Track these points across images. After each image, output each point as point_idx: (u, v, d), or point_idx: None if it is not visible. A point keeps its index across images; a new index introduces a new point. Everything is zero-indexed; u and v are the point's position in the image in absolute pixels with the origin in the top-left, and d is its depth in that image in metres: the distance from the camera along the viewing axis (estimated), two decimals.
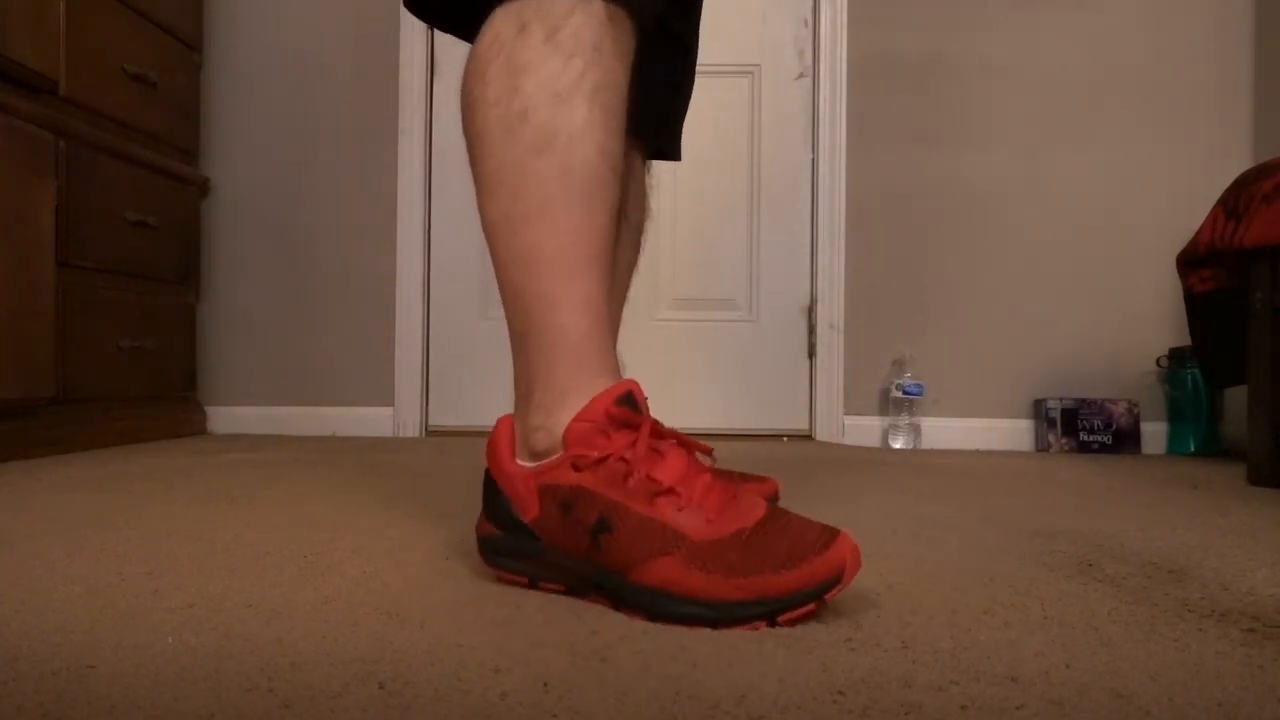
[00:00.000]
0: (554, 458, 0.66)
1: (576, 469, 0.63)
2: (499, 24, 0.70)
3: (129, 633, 0.55)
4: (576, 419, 0.64)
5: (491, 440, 0.70)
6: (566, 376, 0.67)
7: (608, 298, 0.70)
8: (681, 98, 1.08)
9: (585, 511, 0.62)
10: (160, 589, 0.66)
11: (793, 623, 0.57)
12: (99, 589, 0.66)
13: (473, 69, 0.71)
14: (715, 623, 0.57)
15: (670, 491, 0.61)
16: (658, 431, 0.64)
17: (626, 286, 1.08)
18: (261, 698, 0.45)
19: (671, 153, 1.10)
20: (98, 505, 1.05)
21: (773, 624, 0.57)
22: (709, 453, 0.68)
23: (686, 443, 0.65)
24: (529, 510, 0.66)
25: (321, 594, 0.65)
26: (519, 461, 0.69)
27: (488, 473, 0.70)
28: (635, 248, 1.08)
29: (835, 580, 0.57)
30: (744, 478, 1.00)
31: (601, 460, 0.62)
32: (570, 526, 0.63)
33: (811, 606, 0.57)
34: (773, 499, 0.97)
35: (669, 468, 0.61)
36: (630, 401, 0.64)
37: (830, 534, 0.59)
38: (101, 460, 1.54)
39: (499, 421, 0.70)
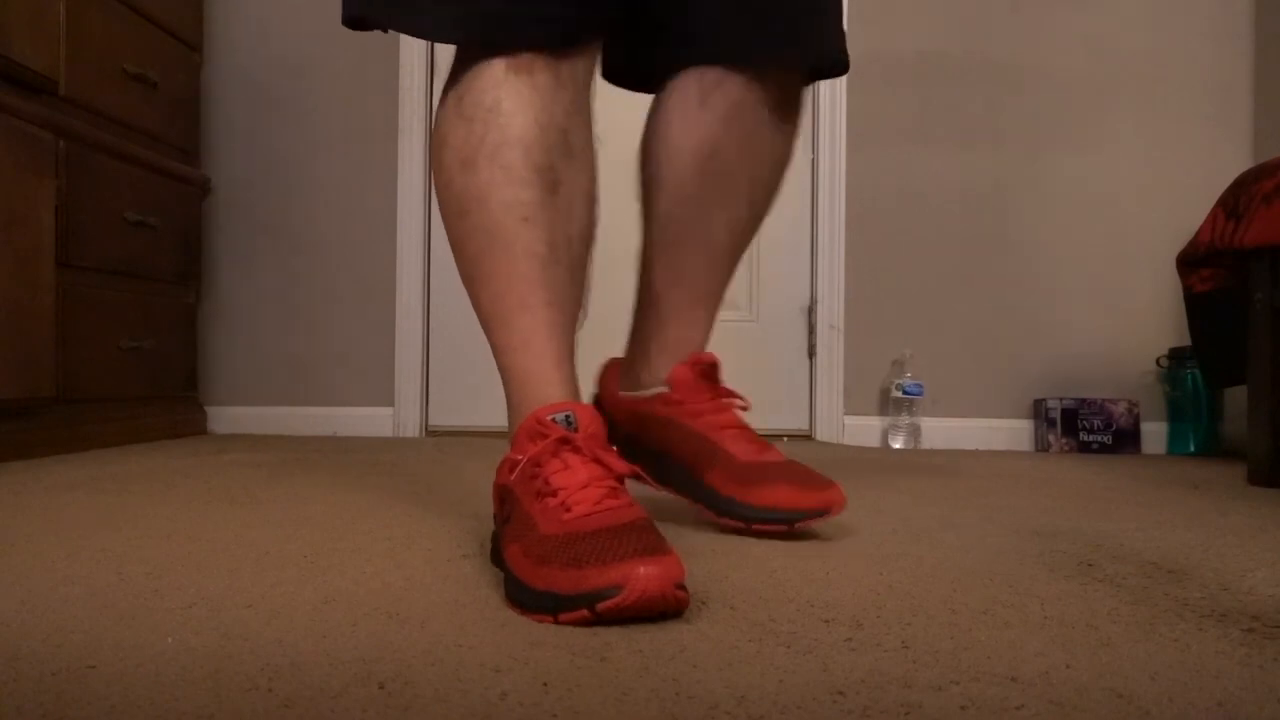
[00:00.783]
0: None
1: (509, 471, 0.71)
2: (445, 100, 0.80)
3: (129, 633, 0.55)
4: (519, 429, 0.72)
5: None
6: (519, 406, 0.77)
7: (555, 324, 0.77)
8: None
9: (504, 505, 0.71)
10: (160, 589, 0.66)
11: (574, 623, 0.57)
12: (99, 589, 0.66)
13: (432, 143, 0.82)
14: (521, 606, 0.61)
15: (553, 493, 0.65)
16: (575, 448, 0.68)
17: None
18: (261, 698, 0.45)
19: (833, 66, 0.93)
20: (98, 505, 1.05)
21: (555, 620, 0.58)
22: (631, 476, 0.71)
23: (607, 463, 0.68)
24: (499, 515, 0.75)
25: (321, 594, 0.65)
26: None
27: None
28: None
29: (609, 593, 0.55)
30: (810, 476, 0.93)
31: (516, 464, 0.70)
32: (499, 520, 0.73)
33: (582, 612, 0.56)
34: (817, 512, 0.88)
35: (567, 476, 0.66)
36: (566, 420, 0.69)
37: (643, 552, 0.57)
38: (101, 460, 1.54)
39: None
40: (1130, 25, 2.14)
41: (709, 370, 0.93)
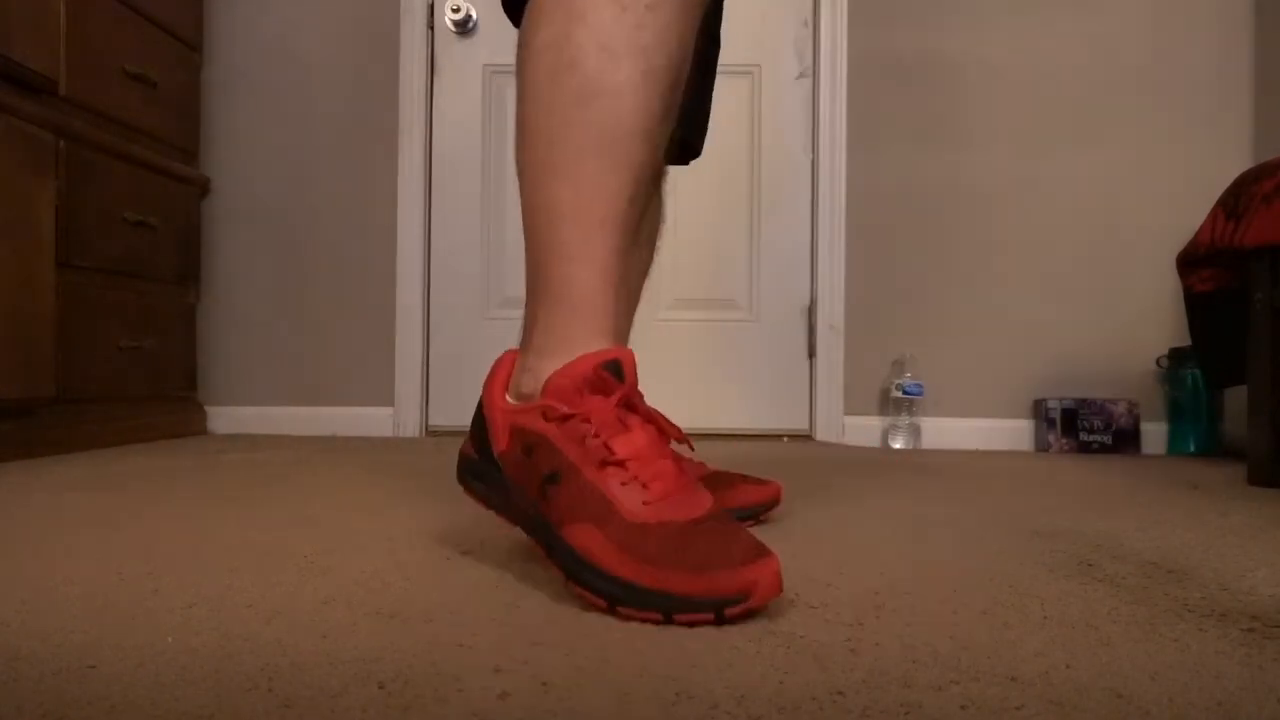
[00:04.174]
0: (530, 403, 0.68)
1: (545, 419, 0.65)
2: None
3: (129, 633, 0.55)
4: (559, 372, 0.65)
5: (491, 370, 0.74)
6: (563, 327, 0.68)
7: (625, 260, 0.69)
8: (708, 93, 1.03)
9: (543, 459, 0.65)
10: (160, 589, 0.66)
11: (690, 625, 0.56)
12: (99, 589, 0.66)
13: (531, 7, 0.70)
14: (613, 602, 0.58)
15: (620, 464, 0.62)
16: (632, 405, 0.64)
17: (639, 288, 1.04)
18: (261, 698, 0.45)
19: (696, 146, 1.04)
20: (98, 505, 1.05)
21: (668, 620, 0.56)
22: (683, 441, 0.69)
23: (660, 424, 0.65)
24: (499, 443, 0.70)
25: (321, 594, 0.65)
26: (506, 397, 0.72)
27: (481, 398, 0.74)
28: (649, 250, 1.05)
29: (738, 599, 0.56)
30: (744, 480, 0.99)
31: (568, 417, 0.64)
32: (528, 469, 0.66)
33: (708, 616, 0.56)
34: (770, 504, 0.96)
35: (628, 442, 0.62)
36: (615, 369, 0.64)
37: (757, 553, 0.57)
38: (101, 460, 1.54)
39: (502, 355, 0.74)
40: (1130, 25, 2.14)
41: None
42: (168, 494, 1.15)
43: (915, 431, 2.09)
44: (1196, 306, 1.66)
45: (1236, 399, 1.93)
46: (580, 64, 0.66)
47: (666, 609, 0.56)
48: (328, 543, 0.84)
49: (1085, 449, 2.06)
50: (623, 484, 0.61)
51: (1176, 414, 2.07)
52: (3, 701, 0.44)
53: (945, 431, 2.11)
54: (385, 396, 2.18)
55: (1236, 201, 1.49)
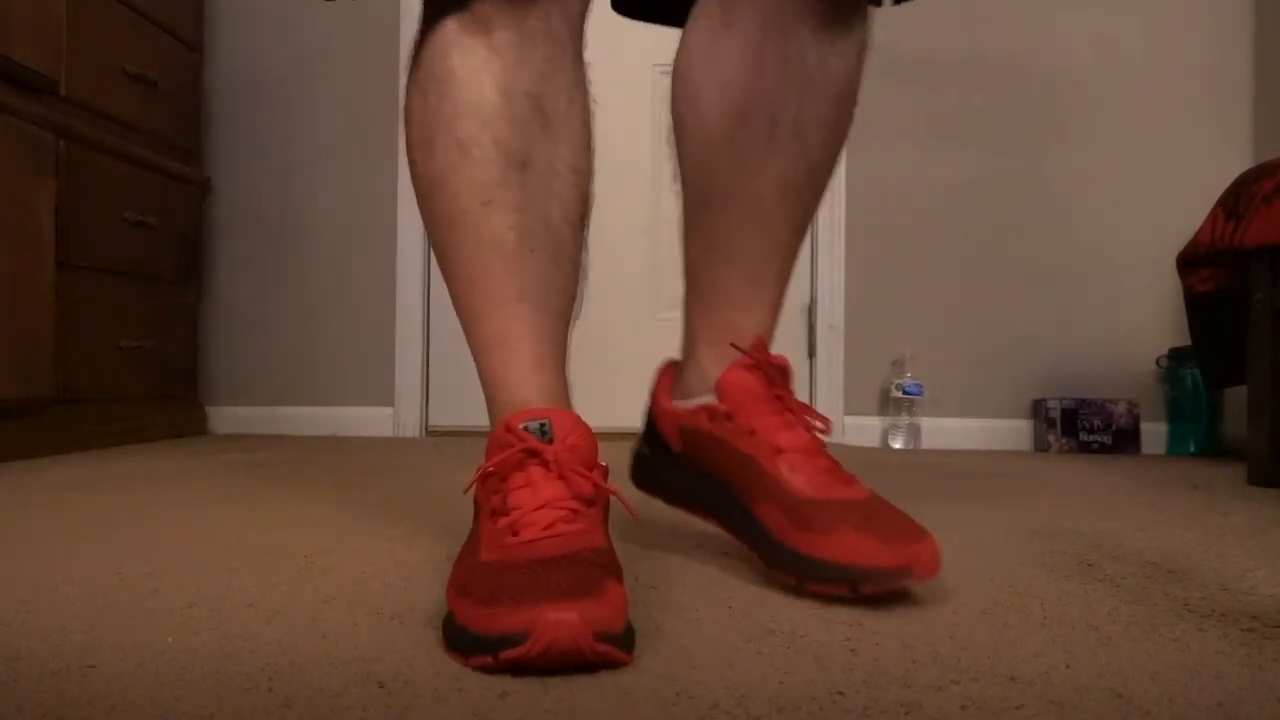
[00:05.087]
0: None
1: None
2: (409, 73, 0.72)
3: (129, 633, 0.55)
4: (490, 438, 0.66)
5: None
6: (490, 409, 0.72)
7: (531, 320, 0.68)
8: None
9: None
10: (160, 589, 0.66)
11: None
12: (99, 589, 0.66)
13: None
14: (444, 638, 0.53)
15: (508, 513, 0.58)
16: (542, 460, 0.60)
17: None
18: (261, 698, 0.45)
19: None
20: (98, 505, 1.05)
21: (466, 663, 0.49)
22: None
23: (570, 481, 0.60)
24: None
25: (321, 594, 0.65)
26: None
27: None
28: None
29: (515, 640, 0.46)
30: None
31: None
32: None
33: (487, 659, 0.47)
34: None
35: (529, 495, 0.58)
36: (540, 429, 0.61)
37: (568, 592, 0.49)
38: (101, 460, 1.54)
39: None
40: (1130, 25, 2.14)
41: (771, 373, 0.72)
42: (168, 494, 1.15)
43: (915, 431, 2.09)
44: (1196, 306, 1.66)
45: (1236, 399, 1.93)
46: (414, 164, 0.72)
47: (463, 648, 0.50)
48: (328, 543, 0.84)
49: (1085, 449, 2.06)
50: (499, 530, 0.57)
51: (1176, 414, 2.07)
52: (3, 701, 0.44)
53: (945, 431, 2.11)
54: (385, 396, 2.18)
55: (1236, 201, 1.49)
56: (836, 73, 0.76)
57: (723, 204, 0.76)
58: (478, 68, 0.64)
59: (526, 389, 0.67)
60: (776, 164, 0.74)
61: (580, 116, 0.69)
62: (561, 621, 0.46)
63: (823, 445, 0.70)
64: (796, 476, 0.67)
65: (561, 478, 0.58)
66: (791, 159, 0.74)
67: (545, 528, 0.55)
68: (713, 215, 0.78)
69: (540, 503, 0.57)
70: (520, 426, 0.61)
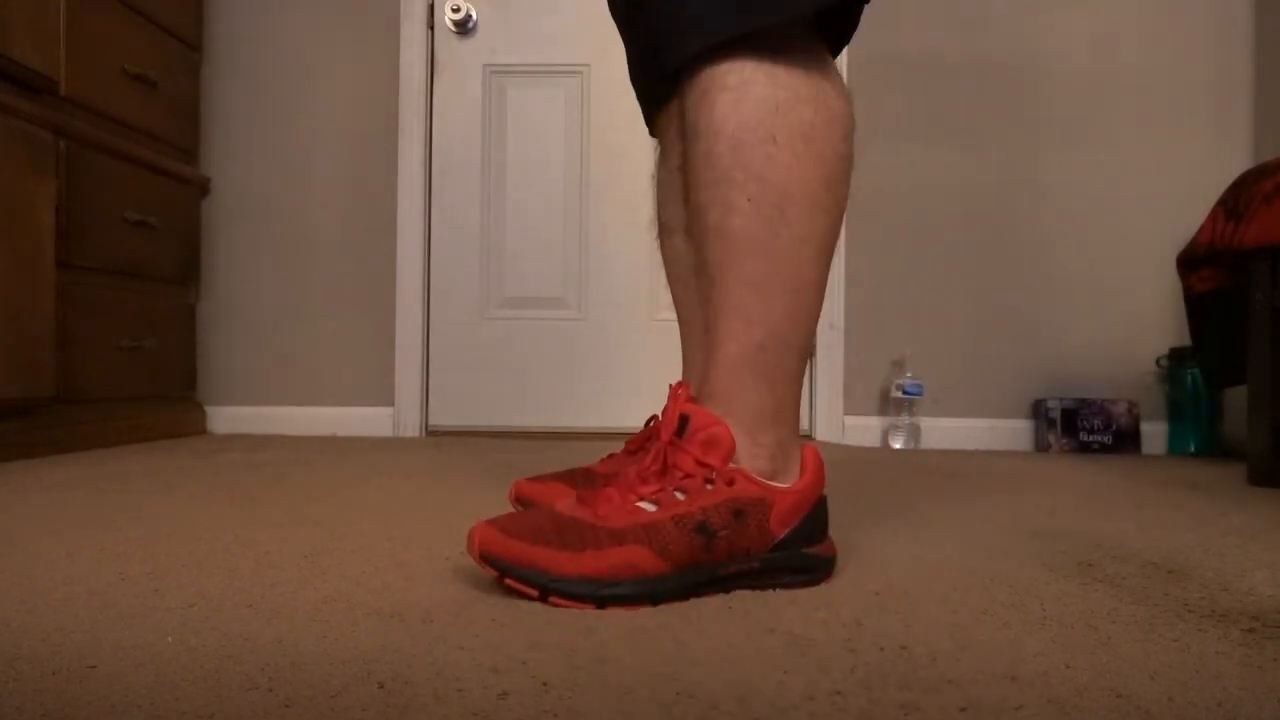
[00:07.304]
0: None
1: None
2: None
3: (129, 633, 0.55)
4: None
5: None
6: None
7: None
8: None
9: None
10: (160, 589, 0.66)
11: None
12: (99, 589, 0.66)
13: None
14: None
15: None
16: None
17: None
18: (261, 698, 0.45)
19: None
20: (98, 505, 1.05)
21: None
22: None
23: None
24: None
25: (321, 594, 0.65)
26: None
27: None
28: None
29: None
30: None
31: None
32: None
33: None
34: None
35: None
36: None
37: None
38: (101, 460, 1.54)
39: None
40: (1130, 25, 2.14)
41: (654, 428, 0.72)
42: (168, 494, 1.15)
43: (915, 431, 2.09)
44: (1196, 306, 1.66)
45: (1236, 399, 1.93)
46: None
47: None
48: (328, 543, 0.84)
49: (1085, 449, 2.06)
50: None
51: (1176, 414, 2.07)
52: (3, 701, 0.44)
53: (945, 431, 2.11)
54: (385, 396, 2.18)
55: (1236, 201, 1.49)
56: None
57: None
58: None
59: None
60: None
61: None
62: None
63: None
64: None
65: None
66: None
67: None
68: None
69: None
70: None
